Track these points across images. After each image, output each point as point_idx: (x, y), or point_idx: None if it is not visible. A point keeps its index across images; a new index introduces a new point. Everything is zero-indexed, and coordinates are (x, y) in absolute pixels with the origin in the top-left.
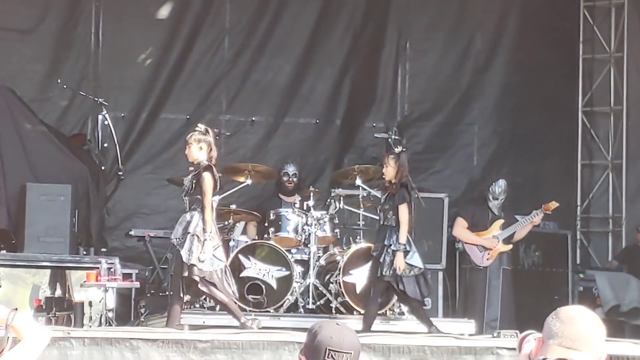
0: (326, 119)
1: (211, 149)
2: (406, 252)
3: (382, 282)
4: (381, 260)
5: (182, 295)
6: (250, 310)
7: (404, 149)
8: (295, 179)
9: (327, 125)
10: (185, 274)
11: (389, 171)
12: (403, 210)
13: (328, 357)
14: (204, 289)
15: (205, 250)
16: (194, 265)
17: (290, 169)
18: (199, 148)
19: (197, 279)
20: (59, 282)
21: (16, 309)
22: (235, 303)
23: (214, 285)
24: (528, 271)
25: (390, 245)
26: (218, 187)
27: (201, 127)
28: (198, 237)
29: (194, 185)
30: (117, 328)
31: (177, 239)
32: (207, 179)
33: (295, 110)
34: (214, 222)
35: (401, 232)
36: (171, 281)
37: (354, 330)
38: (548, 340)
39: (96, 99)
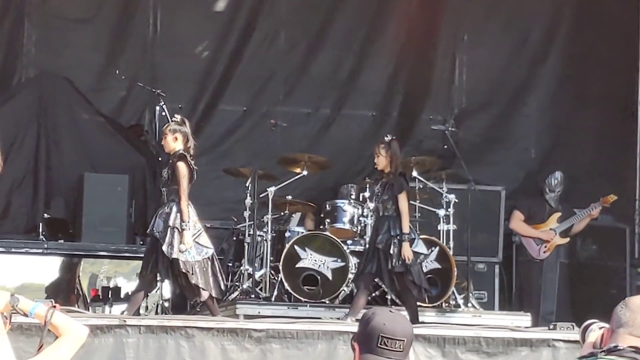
0: (382, 112)
1: (187, 139)
2: (411, 241)
3: (393, 273)
4: (391, 252)
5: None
6: (305, 301)
7: (394, 137)
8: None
9: (384, 117)
10: (172, 268)
11: (381, 160)
12: (402, 199)
13: (381, 344)
14: (187, 282)
15: (184, 241)
16: (177, 259)
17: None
18: (174, 138)
19: (184, 271)
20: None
21: (55, 306)
22: (214, 298)
23: (199, 281)
24: (585, 265)
25: (397, 235)
26: (194, 177)
27: (177, 117)
28: (177, 229)
29: (169, 176)
30: (173, 316)
31: (159, 233)
32: (182, 168)
33: (352, 102)
34: (193, 210)
35: (403, 221)
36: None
37: (406, 317)
38: (618, 329)
39: (154, 90)
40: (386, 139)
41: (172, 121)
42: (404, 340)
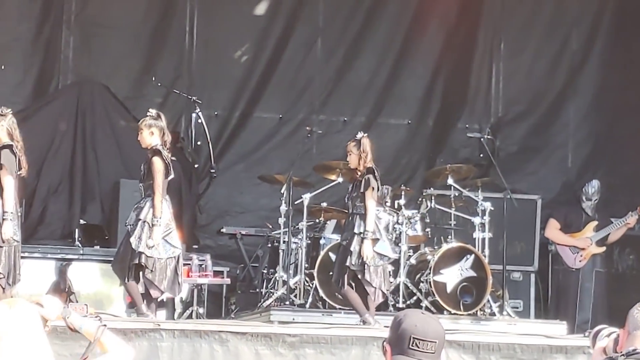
0: (419, 120)
1: (164, 134)
2: (375, 240)
3: (350, 271)
4: (351, 249)
5: (127, 280)
6: (339, 308)
7: (365, 134)
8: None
9: (420, 125)
10: (135, 261)
11: (352, 158)
12: (369, 196)
13: (412, 346)
14: (145, 277)
15: (153, 236)
16: (142, 252)
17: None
18: (150, 133)
19: (143, 265)
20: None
21: (105, 325)
22: (155, 301)
23: (153, 277)
24: (622, 274)
25: (360, 233)
26: (170, 171)
27: (152, 112)
28: (148, 223)
29: (146, 171)
30: (207, 321)
31: (130, 226)
32: (157, 163)
33: (388, 110)
34: (168, 207)
35: (368, 219)
36: (116, 266)
37: (439, 320)
38: (634, 332)
39: (190, 97)
40: (357, 136)
41: (147, 116)
42: (435, 342)
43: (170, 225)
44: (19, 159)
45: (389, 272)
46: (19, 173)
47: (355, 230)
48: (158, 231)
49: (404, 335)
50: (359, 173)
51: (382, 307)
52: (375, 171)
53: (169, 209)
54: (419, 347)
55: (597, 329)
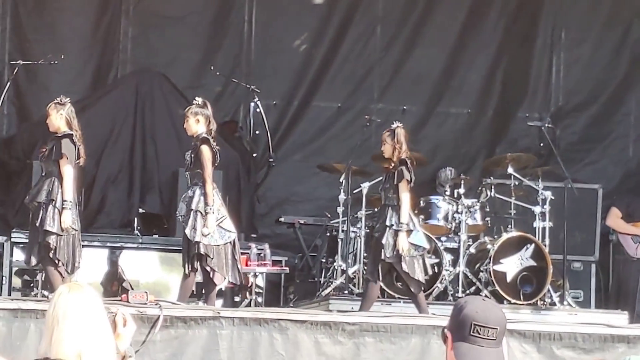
0: (478, 109)
1: (209, 122)
2: (409, 232)
3: (385, 264)
4: (383, 241)
5: (188, 272)
6: (398, 297)
7: (400, 124)
8: None
9: (480, 115)
10: (195, 251)
11: (387, 148)
12: (403, 187)
13: (473, 332)
14: (207, 267)
15: (208, 225)
16: (199, 242)
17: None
18: (196, 121)
19: (202, 254)
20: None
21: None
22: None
23: (217, 265)
24: None
25: (392, 225)
26: (217, 160)
27: (199, 99)
28: (200, 212)
29: (193, 160)
30: (266, 309)
31: (182, 217)
32: (205, 152)
33: (447, 99)
34: (218, 194)
35: (402, 210)
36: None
37: (499, 306)
38: None
39: (248, 86)
40: (392, 126)
41: (193, 103)
42: (496, 329)
43: (221, 211)
44: (78, 148)
45: (425, 262)
46: (77, 162)
47: (387, 223)
48: (212, 219)
49: (465, 322)
50: (393, 164)
51: (441, 297)
52: (408, 162)
53: (218, 195)
54: (480, 334)
55: None
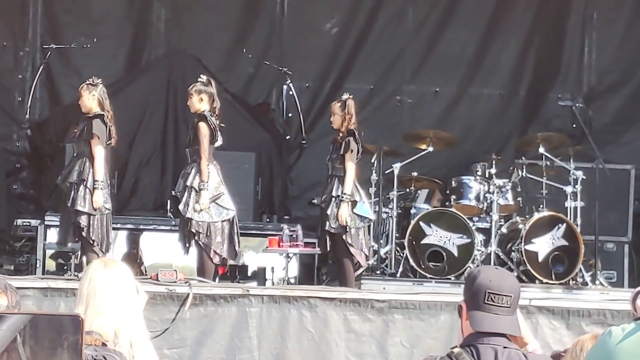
0: (510, 90)
1: (213, 100)
2: (354, 202)
3: (330, 234)
4: (328, 212)
5: (186, 250)
6: (430, 277)
7: (350, 96)
8: None
9: (512, 96)
10: (187, 227)
11: (336, 119)
12: (348, 158)
13: (487, 300)
14: (200, 243)
15: (201, 201)
16: (191, 218)
17: None
18: (200, 99)
19: (194, 232)
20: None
21: None
22: (216, 264)
23: (210, 242)
24: None
25: (338, 196)
26: (217, 137)
27: (203, 77)
28: (195, 189)
29: (192, 137)
30: (295, 286)
31: (179, 193)
32: (202, 128)
33: (480, 81)
34: (216, 171)
35: (346, 181)
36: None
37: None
38: None
39: (281, 69)
40: (343, 97)
41: (197, 81)
42: (511, 296)
43: (219, 188)
44: (109, 129)
45: (367, 234)
46: (109, 143)
47: (333, 193)
48: (205, 195)
49: (479, 290)
50: (341, 135)
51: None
52: (356, 133)
53: (217, 173)
54: (494, 302)
55: (637, 290)
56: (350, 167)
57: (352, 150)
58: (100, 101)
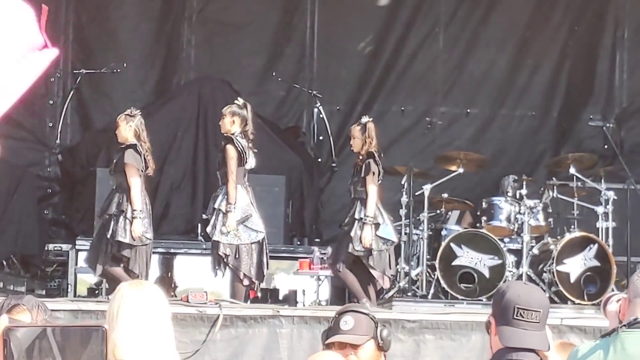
0: (543, 112)
1: (246, 124)
2: (377, 225)
3: (352, 256)
4: (352, 234)
5: (216, 272)
6: (461, 299)
7: (370, 119)
8: None
9: (544, 117)
10: (215, 250)
11: (356, 143)
12: (369, 180)
13: (517, 316)
14: (229, 265)
15: (228, 223)
16: (218, 241)
17: None
18: (232, 122)
19: (222, 254)
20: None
21: None
22: (247, 286)
23: (239, 264)
24: None
25: (361, 218)
26: (247, 160)
27: (240, 101)
28: (222, 211)
29: (220, 159)
30: (325, 307)
31: (209, 216)
32: (229, 150)
33: (512, 102)
34: (245, 193)
35: (369, 203)
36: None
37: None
38: (635, 299)
39: (311, 92)
40: (362, 120)
41: (234, 103)
42: (540, 311)
43: (248, 210)
44: (144, 158)
45: (391, 256)
46: (146, 172)
47: (356, 216)
48: (232, 217)
49: (507, 306)
50: (361, 157)
51: None
52: (376, 156)
53: (247, 195)
54: (523, 317)
55: (608, 295)
56: (372, 190)
57: (373, 173)
58: (137, 132)
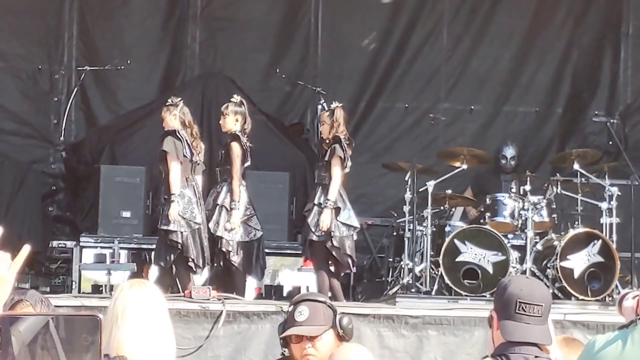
0: (547, 108)
1: (245, 121)
2: (338, 209)
3: (315, 244)
4: (309, 220)
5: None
6: (465, 295)
7: (339, 105)
8: (513, 162)
9: (548, 114)
10: (218, 246)
11: (325, 128)
12: (334, 164)
13: (519, 310)
14: (231, 261)
15: (232, 220)
16: (221, 237)
17: (509, 152)
18: (235, 120)
19: (224, 250)
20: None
21: None
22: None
23: (238, 260)
24: None
25: (320, 203)
26: (248, 158)
27: (236, 98)
28: (226, 207)
29: (223, 156)
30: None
31: (208, 211)
32: (235, 148)
33: (515, 98)
34: (245, 192)
35: (331, 187)
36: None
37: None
38: None
39: (314, 88)
40: (332, 105)
41: (231, 101)
42: (542, 305)
43: (249, 208)
44: (186, 142)
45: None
46: (185, 156)
47: (315, 201)
48: (237, 215)
49: (510, 300)
50: (328, 141)
51: None
52: (342, 141)
53: (246, 193)
54: (525, 311)
55: (623, 292)
56: (336, 174)
57: (338, 157)
58: (182, 119)
